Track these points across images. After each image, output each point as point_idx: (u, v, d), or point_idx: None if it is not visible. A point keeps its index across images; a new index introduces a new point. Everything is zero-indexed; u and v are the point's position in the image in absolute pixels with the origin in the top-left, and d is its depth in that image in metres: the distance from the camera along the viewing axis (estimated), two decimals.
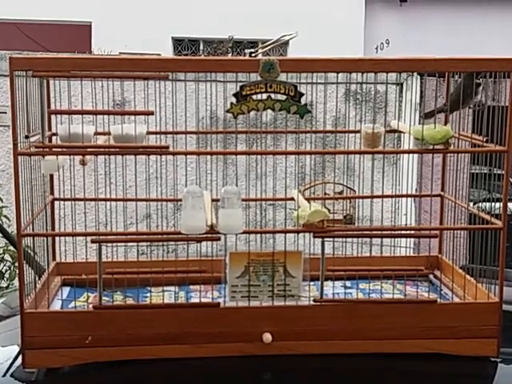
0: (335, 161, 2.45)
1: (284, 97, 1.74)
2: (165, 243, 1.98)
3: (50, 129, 2.05)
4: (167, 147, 1.80)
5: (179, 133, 2.17)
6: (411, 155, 4.48)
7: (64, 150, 1.83)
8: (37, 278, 1.93)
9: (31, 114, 1.83)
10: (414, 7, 11.91)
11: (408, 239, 2.38)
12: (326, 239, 1.84)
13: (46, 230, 2.03)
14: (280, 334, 1.80)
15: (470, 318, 1.85)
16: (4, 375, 1.80)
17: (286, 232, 1.87)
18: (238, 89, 1.73)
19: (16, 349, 1.85)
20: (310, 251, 1.90)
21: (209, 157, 1.99)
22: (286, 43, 2.03)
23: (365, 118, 4.72)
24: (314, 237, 1.84)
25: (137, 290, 1.91)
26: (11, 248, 3.94)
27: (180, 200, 1.85)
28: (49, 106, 2.04)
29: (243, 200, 1.90)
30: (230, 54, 9.38)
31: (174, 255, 2.02)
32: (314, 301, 1.84)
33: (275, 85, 1.72)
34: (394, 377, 1.87)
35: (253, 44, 10.17)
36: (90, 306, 1.85)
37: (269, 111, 1.79)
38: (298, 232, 1.87)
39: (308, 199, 2.03)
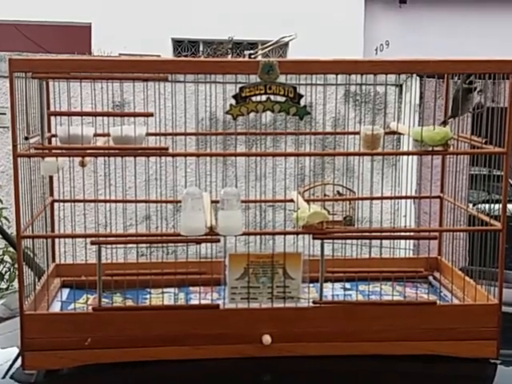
0: (334, 162, 2.45)
1: (283, 98, 1.74)
2: (164, 245, 1.98)
3: (49, 130, 2.05)
4: (167, 149, 1.80)
5: (179, 134, 2.17)
6: (410, 157, 4.49)
7: (63, 151, 1.83)
8: (36, 280, 1.93)
9: (31, 115, 1.83)
10: (413, 8, 11.91)
11: (407, 241, 2.38)
12: (325, 241, 1.84)
13: (46, 231, 2.03)
14: (279, 335, 1.80)
15: (469, 320, 1.85)
16: (4, 377, 1.80)
17: (285, 233, 1.87)
18: (238, 90, 1.73)
19: (16, 350, 1.84)
20: (310, 253, 1.90)
21: (208, 158, 1.99)
22: (286, 44, 2.03)
23: (364, 120, 4.73)
24: (314, 238, 1.84)
25: (136, 292, 1.91)
26: (11, 249, 3.94)
27: (179, 201, 1.86)
28: (48, 108, 2.04)
29: (243, 201, 1.90)
30: (229, 55, 9.37)
31: (174, 257, 2.02)
32: (314, 302, 1.84)
33: (274, 86, 1.72)
34: (394, 379, 1.87)
35: (252, 45, 10.18)
36: (90, 307, 1.85)
37: (268, 113, 1.79)
38: (297, 233, 1.87)
39: (307, 200, 2.03)
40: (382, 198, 2.19)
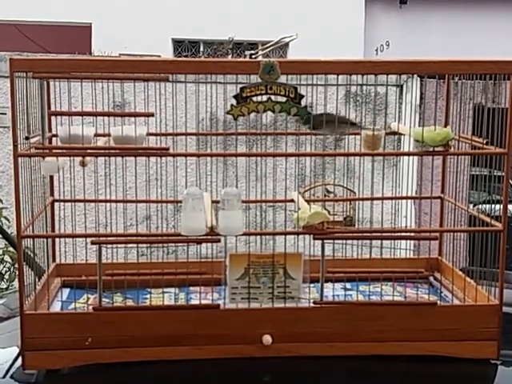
0: (335, 163, 2.45)
1: (284, 99, 1.74)
2: (165, 245, 1.98)
3: (50, 130, 2.05)
4: (167, 149, 1.80)
5: (179, 134, 2.17)
6: (411, 157, 4.49)
7: (64, 151, 1.83)
8: (36, 280, 1.93)
9: (31, 115, 1.83)
10: (413, 9, 11.92)
11: (408, 241, 2.38)
12: (325, 241, 1.84)
13: (46, 231, 2.03)
14: (280, 335, 1.80)
15: (470, 320, 1.85)
16: (4, 376, 1.80)
17: (285, 234, 1.87)
18: (238, 90, 1.73)
19: (16, 350, 1.84)
20: (310, 253, 1.90)
21: (209, 158, 1.99)
22: (286, 45, 2.03)
23: (365, 120, 4.72)
24: (314, 238, 1.84)
25: (137, 292, 1.91)
26: (11, 249, 3.94)
27: (180, 201, 1.85)
28: (49, 108, 2.04)
29: (243, 202, 1.90)
30: (230, 56, 9.38)
31: (174, 257, 2.02)
32: (314, 303, 1.84)
33: (275, 86, 1.72)
34: (394, 379, 1.87)
35: (253, 45, 10.18)
36: (90, 307, 1.84)
37: (269, 113, 1.79)
38: (297, 234, 1.87)
39: (308, 201, 2.03)
40: (382, 199, 2.19)
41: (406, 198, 2.43)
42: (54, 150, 1.86)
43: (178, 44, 11.64)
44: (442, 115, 2.18)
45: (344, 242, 2.01)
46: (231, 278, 1.83)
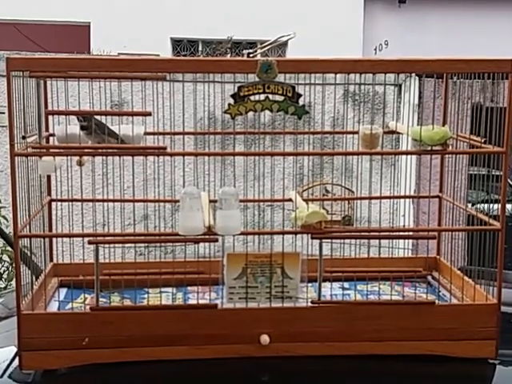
0: (333, 162, 2.45)
1: (282, 98, 1.74)
2: (162, 244, 1.98)
3: (47, 129, 2.05)
4: (165, 148, 1.79)
5: (177, 133, 2.17)
6: (409, 156, 4.48)
7: (61, 150, 1.83)
8: (34, 279, 1.92)
9: (28, 114, 1.82)
10: (412, 8, 11.91)
11: (406, 240, 2.38)
12: (323, 240, 1.84)
13: (44, 230, 2.03)
14: (278, 335, 1.80)
15: (468, 320, 1.85)
16: (1, 376, 1.79)
17: (283, 233, 1.86)
18: (236, 89, 1.72)
19: (14, 350, 1.84)
20: (308, 252, 1.89)
21: (207, 158, 1.99)
22: (285, 44, 2.02)
23: (363, 119, 4.72)
24: (312, 238, 1.83)
25: (134, 291, 1.90)
26: (9, 249, 3.94)
27: (178, 201, 1.85)
28: (46, 107, 2.03)
29: (241, 201, 1.90)
30: (228, 55, 9.37)
31: (172, 256, 2.02)
32: (312, 302, 1.84)
33: (273, 85, 1.71)
34: (392, 378, 1.87)
35: (252, 45, 10.17)
36: (87, 307, 1.84)
37: (267, 112, 1.78)
38: (295, 233, 1.86)
39: (306, 200, 2.02)
40: (380, 198, 2.18)
41: (404, 197, 2.43)
42: (51, 150, 1.86)
43: (177, 43, 11.63)
44: (441, 114, 2.18)
45: (342, 241, 2.00)
46: (229, 278, 1.83)
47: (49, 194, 2.16)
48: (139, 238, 1.91)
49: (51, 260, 2.17)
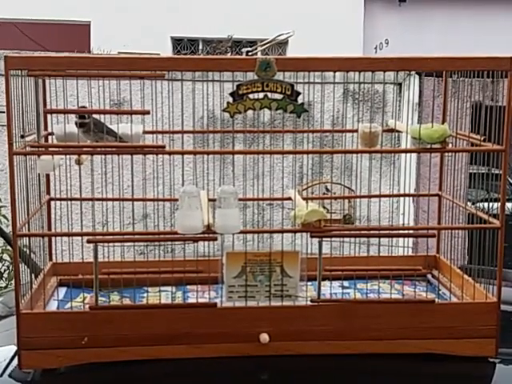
0: (333, 160, 2.45)
1: (281, 96, 1.73)
2: (162, 243, 1.97)
3: (46, 128, 2.05)
4: (163, 147, 1.79)
5: (176, 132, 2.16)
6: (409, 155, 4.47)
7: (60, 149, 1.83)
8: (33, 278, 1.92)
9: (27, 113, 1.82)
10: (413, 7, 11.90)
11: (406, 239, 2.38)
12: (323, 239, 1.84)
13: (43, 230, 2.03)
14: (277, 334, 1.79)
15: (468, 318, 1.84)
16: (1, 375, 1.79)
17: (283, 232, 1.86)
18: (235, 88, 1.72)
19: (13, 349, 1.84)
20: (308, 251, 1.89)
21: (206, 156, 1.98)
22: (285, 43, 2.02)
23: (363, 118, 4.72)
24: (311, 236, 1.83)
25: (133, 290, 1.90)
26: (10, 248, 3.94)
27: (177, 200, 1.85)
28: (45, 106, 2.03)
29: (241, 200, 1.89)
30: (229, 54, 9.36)
31: (171, 255, 2.02)
32: (312, 301, 1.84)
33: (272, 84, 1.71)
34: (392, 377, 1.86)
35: (252, 43, 10.17)
36: (87, 306, 1.84)
37: (267, 111, 1.78)
38: (295, 232, 1.86)
39: (305, 199, 2.02)
40: (380, 196, 2.18)
41: (404, 195, 2.43)
42: (50, 149, 1.85)
43: (177, 42, 11.63)
44: (441, 113, 2.18)
45: (341, 239, 2.00)
46: (228, 277, 1.83)
47: (48, 193, 2.16)
48: (138, 237, 1.91)
49: (50, 259, 2.17)
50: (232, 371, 1.82)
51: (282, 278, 1.84)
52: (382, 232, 1.96)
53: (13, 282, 4.16)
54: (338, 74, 1.80)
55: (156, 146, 1.82)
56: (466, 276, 1.99)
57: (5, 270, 4.47)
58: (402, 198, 2.47)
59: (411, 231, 2.18)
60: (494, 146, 1.85)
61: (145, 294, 1.94)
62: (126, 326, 1.78)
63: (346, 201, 2.29)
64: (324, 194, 2.29)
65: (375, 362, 1.84)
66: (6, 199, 4.61)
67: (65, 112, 1.81)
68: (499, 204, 1.85)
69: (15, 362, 1.79)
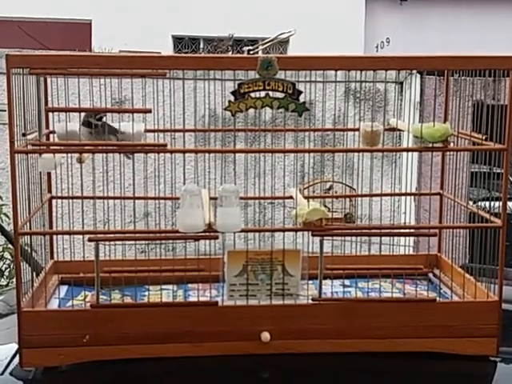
0: (334, 159, 2.44)
1: (282, 94, 1.73)
2: (163, 241, 1.97)
3: (47, 127, 2.05)
4: (165, 145, 1.79)
5: (177, 131, 2.16)
6: (410, 154, 4.48)
7: (61, 147, 1.83)
8: (34, 277, 1.92)
9: (28, 111, 1.82)
10: (414, 6, 11.89)
11: (407, 238, 2.38)
12: (324, 238, 1.84)
13: (44, 228, 2.03)
14: (278, 332, 1.79)
15: (469, 317, 1.84)
16: (2, 373, 1.79)
17: (284, 230, 1.86)
18: (236, 86, 1.72)
19: (14, 347, 1.84)
20: (309, 250, 1.89)
21: (207, 155, 1.98)
22: (287, 42, 2.02)
23: (364, 117, 4.72)
24: (313, 235, 1.83)
25: (135, 289, 1.90)
26: (11, 246, 3.94)
27: (178, 198, 1.85)
28: (46, 104, 2.03)
29: (242, 198, 1.89)
30: (230, 52, 9.36)
31: (172, 254, 2.02)
32: (313, 299, 1.84)
33: (273, 82, 1.71)
34: (393, 376, 1.86)
35: (253, 42, 10.16)
36: (88, 304, 1.84)
37: (268, 110, 1.78)
38: (296, 230, 1.86)
39: (307, 197, 2.02)
40: (381, 195, 2.18)
41: (406, 194, 2.43)
42: (51, 147, 1.86)
43: (178, 41, 11.62)
44: (442, 112, 2.18)
45: (343, 238, 2.00)
46: (229, 275, 1.83)
47: (49, 191, 2.16)
48: (140, 236, 1.91)
49: (52, 257, 2.17)
50: (233, 369, 1.83)
51: (283, 277, 1.84)
52: (383, 231, 1.96)
53: (14, 280, 4.17)
54: (339, 72, 1.80)
55: (157, 144, 1.82)
56: (467, 275, 1.99)
57: (6, 269, 4.48)
58: (403, 197, 2.47)
59: (412, 230, 2.18)
60: (496, 145, 1.85)
61: (146, 293, 1.94)
62: (127, 324, 1.78)
63: (348, 199, 2.29)
64: (326, 192, 2.29)
65: (376, 361, 1.84)
66: (7, 197, 4.61)
67: (66, 110, 1.81)
68: (501, 203, 1.84)
69: (16, 360, 1.80)
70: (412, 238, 2.98)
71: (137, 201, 2.14)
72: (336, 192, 2.31)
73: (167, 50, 10.81)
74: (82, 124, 1.82)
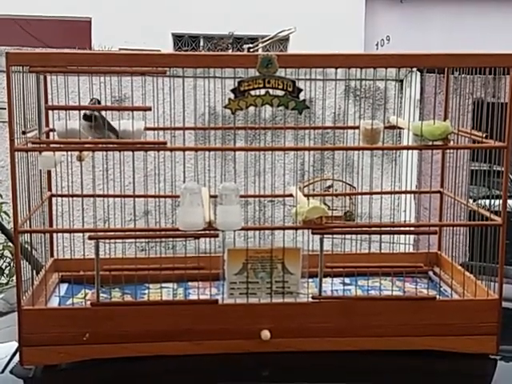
0: (334, 157, 2.45)
1: (282, 92, 1.73)
2: (163, 240, 1.97)
3: (47, 125, 2.05)
4: (165, 143, 1.79)
5: (177, 129, 2.16)
6: (411, 152, 4.48)
7: (61, 145, 1.83)
8: (34, 275, 1.92)
9: (28, 109, 1.82)
10: (414, 3, 11.88)
11: (407, 236, 2.38)
12: (324, 236, 1.84)
13: (44, 226, 2.03)
14: (278, 330, 1.79)
15: (469, 315, 1.84)
16: (2, 371, 1.79)
17: (284, 229, 1.86)
18: (236, 84, 1.72)
19: (14, 345, 1.84)
20: (309, 248, 1.89)
21: (207, 153, 1.98)
22: (287, 40, 2.01)
23: (364, 115, 4.72)
24: (313, 233, 1.83)
25: (135, 287, 1.90)
26: (11, 244, 3.94)
27: (178, 196, 1.85)
28: (46, 102, 2.03)
29: (242, 196, 1.89)
30: (230, 51, 9.35)
31: (173, 252, 2.02)
32: (313, 298, 1.84)
33: (273, 80, 1.71)
34: (393, 374, 1.86)
35: (253, 40, 10.15)
36: (88, 302, 1.84)
37: (268, 108, 1.78)
38: (296, 228, 1.86)
39: (307, 195, 2.02)
40: (382, 193, 2.18)
41: (406, 192, 2.43)
42: (51, 145, 1.85)
43: (178, 39, 11.61)
44: (442, 110, 2.17)
45: (343, 236, 2.00)
46: (229, 273, 1.83)
47: (49, 189, 2.16)
48: (140, 234, 1.91)
49: (52, 255, 2.17)
50: (233, 368, 1.82)
51: (283, 275, 1.84)
52: (383, 229, 1.96)
53: (14, 278, 4.17)
54: (339, 70, 1.80)
55: (157, 142, 1.82)
56: (467, 273, 1.99)
57: (6, 267, 4.47)
58: (403, 195, 2.47)
59: (412, 228, 2.18)
60: (496, 143, 1.85)
61: (146, 291, 1.94)
62: (128, 322, 1.78)
63: (348, 198, 2.29)
64: (326, 190, 2.29)
65: (376, 359, 1.84)
66: (7, 195, 4.61)
67: (66, 108, 1.81)
68: (501, 201, 1.84)
69: (16, 358, 1.80)
70: (412, 236, 2.97)
71: (137, 199, 2.14)
72: (336, 190, 2.31)
73: (167, 47, 10.80)
74: (83, 117, 1.82)
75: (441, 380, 1.85)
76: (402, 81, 5.16)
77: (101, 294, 1.83)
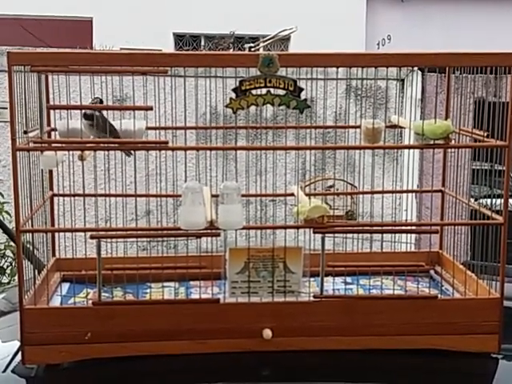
0: (335, 157, 2.45)
1: (283, 92, 1.73)
2: (165, 239, 1.98)
3: (49, 124, 2.05)
4: (166, 142, 1.79)
5: (178, 128, 2.17)
6: (412, 151, 4.48)
7: (63, 145, 1.83)
8: (36, 274, 1.92)
9: (30, 109, 1.82)
10: (415, 3, 11.88)
11: (409, 235, 2.37)
12: (326, 235, 1.84)
13: (46, 225, 2.03)
14: (280, 329, 1.80)
15: (470, 314, 1.84)
16: (4, 371, 1.80)
17: (286, 228, 1.86)
18: (238, 84, 1.72)
19: (16, 344, 1.84)
20: (311, 247, 1.89)
21: (209, 153, 1.99)
22: (288, 39, 2.02)
23: (366, 114, 4.71)
24: (314, 232, 1.83)
25: (136, 286, 1.90)
26: (13, 244, 3.95)
27: (180, 196, 1.85)
28: (48, 101, 2.03)
29: (244, 196, 1.89)
30: (231, 50, 9.35)
31: (174, 251, 2.02)
32: (314, 297, 1.84)
33: (274, 79, 1.71)
34: (395, 373, 1.87)
35: (254, 39, 10.14)
36: (90, 301, 1.84)
37: (269, 107, 1.78)
38: (297, 228, 1.86)
39: (308, 195, 2.02)
40: (383, 192, 2.18)
41: (407, 191, 2.43)
42: (53, 144, 1.86)
43: (179, 38, 11.62)
44: (443, 109, 2.18)
45: (344, 235, 2.00)
46: (231, 272, 1.83)
47: (51, 188, 2.16)
48: (141, 233, 1.91)
49: (54, 255, 2.18)
50: (235, 367, 1.83)
51: (284, 274, 1.84)
52: (384, 228, 1.96)
53: (16, 277, 4.16)
54: (340, 69, 1.80)
55: (159, 141, 1.82)
56: (468, 272, 1.99)
57: (8, 266, 4.48)
58: (404, 194, 2.47)
59: (414, 227, 2.18)
60: (497, 142, 1.85)
61: (148, 290, 1.94)
62: (129, 321, 1.78)
63: (349, 197, 2.29)
64: (327, 189, 2.29)
65: (378, 358, 1.84)
66: (9, 195, 4.61)
67: (68, 108, 1.81)
68: (502, 200, 1.84)
69: (19, 357, 1.80)
70: (413, 236, 2.97)
71: (138, 198, 2.14)
72: (337, 189, 2.31)
73: (168, 47, 10.81)
74: (83, 116, 1.82)
75: (442, 379, 1.85)
76: (403, 80, 5.16)
77: (102, 294, 1.83)
